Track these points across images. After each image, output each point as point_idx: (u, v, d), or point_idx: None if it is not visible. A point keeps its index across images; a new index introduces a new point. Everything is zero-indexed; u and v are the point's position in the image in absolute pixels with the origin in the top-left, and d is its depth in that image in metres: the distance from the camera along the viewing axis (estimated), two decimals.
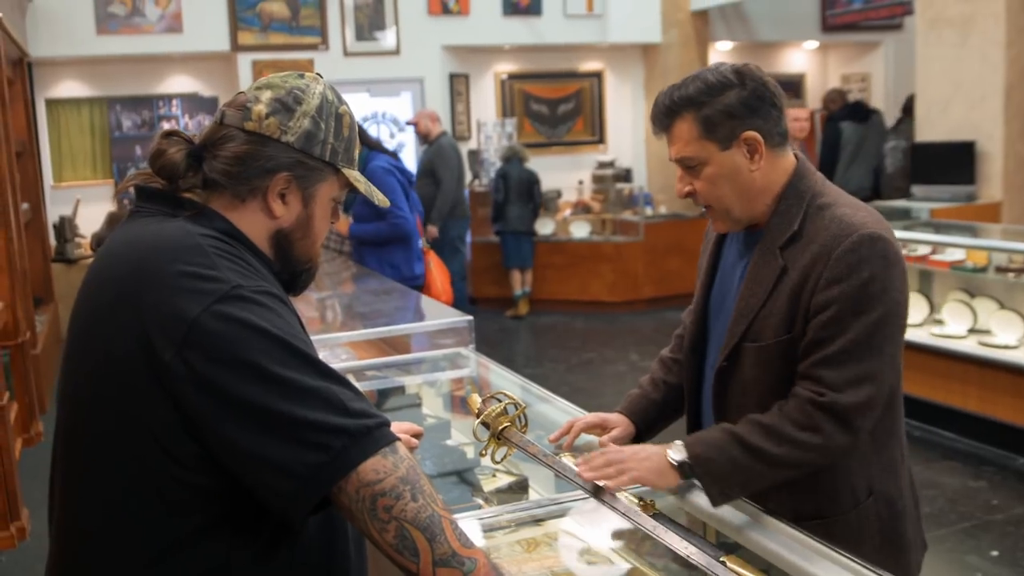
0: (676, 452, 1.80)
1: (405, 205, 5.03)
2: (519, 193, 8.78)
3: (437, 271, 5.39)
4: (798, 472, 1.81)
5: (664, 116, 1.85)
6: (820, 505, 1.86)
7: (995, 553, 3.93)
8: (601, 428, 2.13)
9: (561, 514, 1.98)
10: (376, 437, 1.28)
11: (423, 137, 8.23)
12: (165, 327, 1.26)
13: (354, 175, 1.51)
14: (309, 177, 1.45)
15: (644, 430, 2.16)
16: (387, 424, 1.31)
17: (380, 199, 1.59)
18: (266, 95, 1.44)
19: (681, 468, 1.79)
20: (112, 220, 8.74)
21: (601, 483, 1.82)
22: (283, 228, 1.46)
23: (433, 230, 7.77)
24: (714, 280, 2.04)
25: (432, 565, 1.26)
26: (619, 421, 2.15)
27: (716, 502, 1.78)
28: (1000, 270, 5.45)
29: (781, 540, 1.71)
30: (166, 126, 9.54)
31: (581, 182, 10.44)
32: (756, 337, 1.85)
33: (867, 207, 1.86)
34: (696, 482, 1.82)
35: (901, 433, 1.94)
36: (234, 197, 1.43)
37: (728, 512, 1.83)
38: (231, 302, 1.28)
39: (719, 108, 1.79)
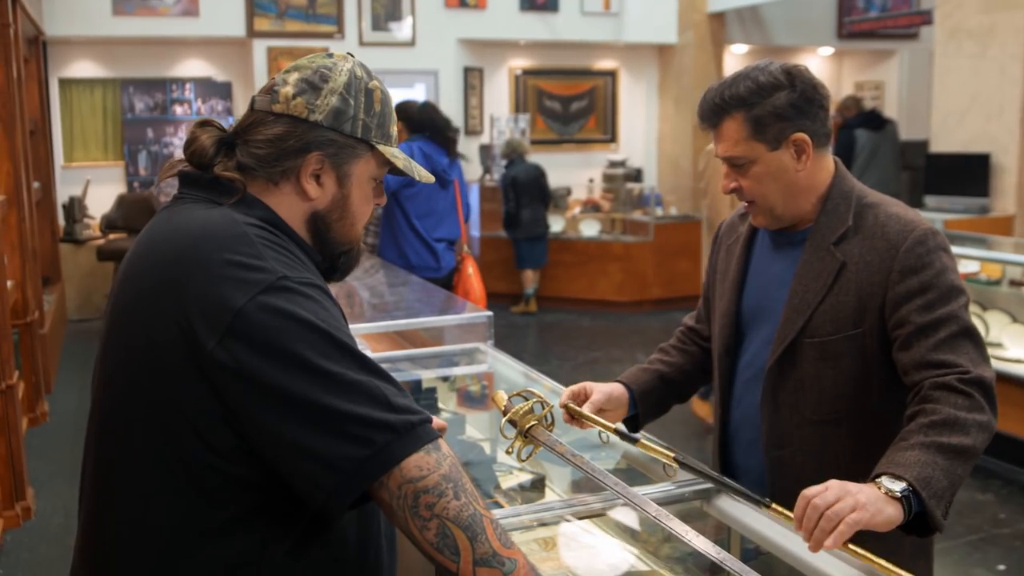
0: (891, 483, 1.57)
1: None
2: (531, 196, 8.70)
3: (476, 279, 5.30)
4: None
5: (713, 114, 1.84)
6: None
7: (1002, 567, 3.92)
8: (585, 396, 2.06)
9: (581, 514, 1.97)
10: (419, 433, 1.26)
11: None
12: (209, 316, 1.25)
13: (391, 151, 1.48)
14: (342, 155, 1.43)
15: (640, 401, 2.11)
16: (430, 420, 1.30)
17: (421, 175, 1.55)
18: (293, 76, 1.43)
19: (905, 499, 1.55)
20: (123, 203, 8.73)
21: (828, 542, 1.51)
22: (319, 210, 1.44)
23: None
24: (744, 281, 2.02)
25: (472, 564, 1.24)
26: (603, 387, 2.07)
27: (943, 525, 1.60)
28: (1014, 283, 5.43)
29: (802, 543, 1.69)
30: (179, 110, 9.54)
31: (591, 180, 10.43)
32: (815, 332, 1.84)
33: (907, 206, 1.89)
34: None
35: None
36: (267, 181, 1.41)
37: (752, 517, 1.82)
38: (276, 293, 1.26)
39: (769, 109, 1.79)
